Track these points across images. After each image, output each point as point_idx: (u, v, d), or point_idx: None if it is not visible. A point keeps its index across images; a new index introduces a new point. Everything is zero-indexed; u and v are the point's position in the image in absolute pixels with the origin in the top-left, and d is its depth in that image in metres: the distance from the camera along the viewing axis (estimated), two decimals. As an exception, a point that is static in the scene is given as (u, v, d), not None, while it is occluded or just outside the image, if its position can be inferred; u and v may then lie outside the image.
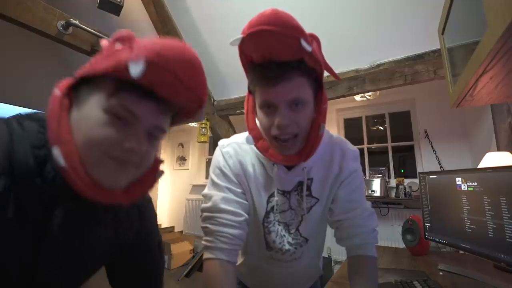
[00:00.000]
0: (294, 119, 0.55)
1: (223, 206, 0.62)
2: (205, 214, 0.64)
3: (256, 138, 0.61)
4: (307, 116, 0.57)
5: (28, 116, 0.43)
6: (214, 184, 0.66)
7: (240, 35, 0.49)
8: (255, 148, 0.63)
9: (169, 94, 0.41)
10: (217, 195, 0.64)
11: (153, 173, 0.47)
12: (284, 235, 0.70)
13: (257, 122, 0.63)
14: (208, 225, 0.62)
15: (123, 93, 0.39)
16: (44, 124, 0.41)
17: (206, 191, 0.67)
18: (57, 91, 0.41)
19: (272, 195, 0.67)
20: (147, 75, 0.36)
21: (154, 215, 0.64)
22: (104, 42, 0.43)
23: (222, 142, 0.70)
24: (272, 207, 0.68)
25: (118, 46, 0.39)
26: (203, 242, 0.62)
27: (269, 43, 0.48)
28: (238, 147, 0.68)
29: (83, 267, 0.51)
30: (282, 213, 0.69)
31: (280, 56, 0.51)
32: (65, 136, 0.38)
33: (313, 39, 0.54)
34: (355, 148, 0.72)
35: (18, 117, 0.42)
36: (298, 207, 0.68)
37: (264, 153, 0.61)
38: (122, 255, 0.58)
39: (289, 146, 0.58)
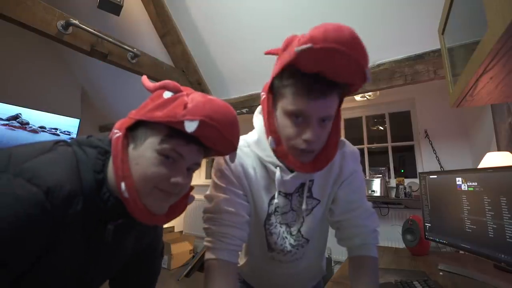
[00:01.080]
0: (320, 135, 0.55)
1: (225, 207, 0.63)
2: (207, 215, 0.64)
3: (278, 142, 0.59)
4: (328, 131, 0.58)
5: (87, 142, 0.52)
6: (216, 186, 0.66)
7: (309, 44, 0.45)
8: (256, 151, 0.64)
9: (211, 144, 0.50)
10: (219, 196, 0.64)
11: (186, 198, 0.57)
12: (286, 237, 0.70)
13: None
14: (210, 226, 0.63)
15: (174, 138, 0.48)
16: (101, 151, 0.50)
17: (208, 192, 0.67)
18: (118, 132, 0.50)
19: (273, 197, 0.67)
20: (198, 131, 0.46)
21: (162, 234, 0.74)
22: (149, 85, 0.54)
23: None
24: (274, 209, 0.68)
25: (168, 95, 0.49)
26: (205, 243, 0.62)
27: (337, 64, 0.47)
28: (239, 150, 0.68)
29: (112, 270, 0.61)
30: (283, 215, 0.69)
31: (338, 77, 0.50)
32: (127, 173, 0.47)
33: None
34: (355, 149, 0.72)
35: (79, 142, 0.51)
36: (300, 209, 0.68)
37: (283, 158, 0.59)
38: (130, 259, 0.65)
39: (309, 155, 0.58)
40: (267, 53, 0.60)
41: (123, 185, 0.46)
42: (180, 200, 0.55)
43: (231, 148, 0.53)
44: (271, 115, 0.60)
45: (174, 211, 0.55)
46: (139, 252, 0.66)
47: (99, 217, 0.49)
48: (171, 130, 0.47)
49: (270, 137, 0.59)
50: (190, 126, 0.44)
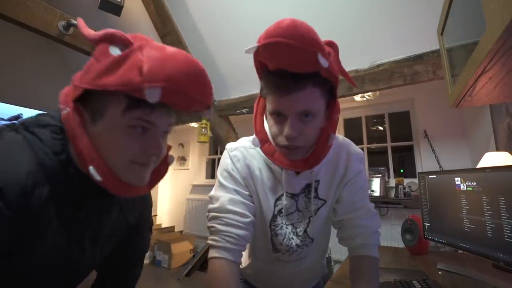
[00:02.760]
0: (302, 131, 0.55)
1: (230, 207, 0.63)
2: (212, 214, 0.65)
3: (262, 141, 0.62)
4: (316, 127, 0.57)
5: (35, 122, 0.45)
6: (222, 186, 0.67)
7: (256, 44, 0.48)
8: (261, 152, 0.64)
9: (180, 107, 0.45)
10: (224, 196, 0.65)
11: (166, 161, 0.52)
12: (292, 238, 0.71)
13: (266, 125, 0.63)
14: (214, 225, 0.63)
15: (138, 107, 0.42)
16: (55, 129, 0.45)
17: (213, 192, 0.68)
18: (65, 108, 0.43)
19: (279, 198, 0.68)
20: (162, 99, 0.40)
21: (151, 203, 0.70)
22: (88, 33, 0.45)
23: (230, 146, 0.71)
24: (280, 210, 0.69)
25: (115, 51, 0.41)
26: (209, 242, 0.63)
27: (285, 55, 0.48)
28: (245, 151, 0.69)
29: (104, 250, 0.57)
30: (289, 215, 0.69)
31: (295, 68, 0.50)
32: (93, 154, 0.43)
33: (332, 47, 0.53)
34: (360, 150, 0.72)
35: (26, 125, 0.45)
36: (306, 209, 0.69)
37: (269, 157, 0.61)
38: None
39: (295, 152, 0.58)
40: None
41: (92, 169, 0.42)
42: (161, 164, 0.51)
43: (204, 107, 0.47)
44: (259, 116, 0.63)
45: (157, 177, 0.51)
46: (129, 228, 0.63)
47: (74, 199, 0.46)
48: (131, 99, 0.41)
49: (255, 137, 0.62)
50: (152, 96, 0.39)
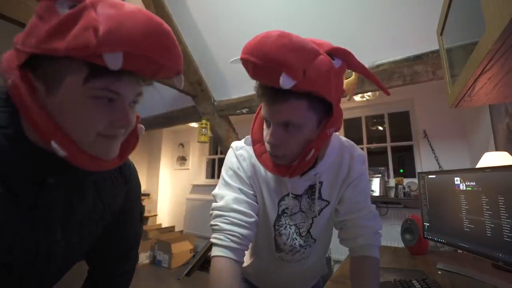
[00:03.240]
0: (284, 140, 0.55)
1: (235, 206, 0.63)
2: (216, 212, 0.65)
3: (255, 141, 0.63)
4: (301, 139, 0.56)
5: None
6: (226, 184, 0.67)
7: (238, 57, 0.50)
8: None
9: (146, 73, 0.40)
10: (229, 195, 0.65)
11: (136, 132, 0.48)
12: (296, 238, 0.71)
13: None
14: (218, 223, 0.63)
15: (101, 76, 0.37)
16: (1, 103, 0.40)
17: (217, 191, 0.68)
18: (9, 75, 0.37)
19: (282, 199, 0.68)
20: (125, 65, 0.35)
21: (139, 182, 0.65)
22: None
23: (235, 144, 0.71)
24: (283, 210, 0.69)
25: (63, 5, 0.35)
26: (212, 240, 0.62)
27: (255, 72, 0.49)
28: (251, 150, 0.69)
29: (81, 234, 0.52)
30: (292, 216, 0.70)
31: (268, 83, 0.50)
32: (53, 128, 0.38)
33: (336, 55, 0.51)
34: (362, 152, 0.73)
35: None
36: (309, 210, 0.69)
37: (258, 157, 0.62)
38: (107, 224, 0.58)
39: (278, 160, 0.59)
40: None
41: (54, 144, 0.37)
42: (130, 136, 0.47)
43: (173, 72, 0.42)
44: (258, 118, 0.65)
45: (127, 149, 0.47)
46: (115, 215, 0.59)
47: (32, 179, 0.41)
48: (91, 66, 0.36)
49: (248, 137, 0.65)
50: (113, 63, 0.34)
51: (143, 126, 0.49)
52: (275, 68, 0.45)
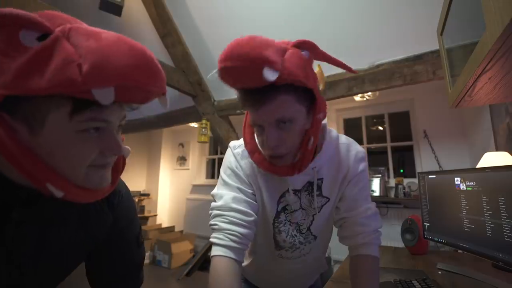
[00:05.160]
0: (282, 138, 0.56)
1: (234, 205, 0.63)
2: (215, 211, 0.65)
3: (251, 152, 0.63)
4: (297, 132, 0.57)
5: None
6: (225, 184, 0.67)
7: (215, 70, 0.51)
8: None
9: (133, 101, 0.40)
10: (228, 194, 0.65)
11: (122, 155, 0.47)
12: (296, 235, 0.71)
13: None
14: (217, 223, 0.63)
15: (86, 108, 0.35)
16: None
17: (216, 190, 0.68)
18: None
19: (282, 196, 0.68)
20: (116, 98, 0.34)
21: (131, 208, 0.62)
22: None
23: (233, 144, 0.71)
24: (283, 208, 0.69)
25: (30, 38, 0.32)
26: (212, 239, 0.62)
27: (236, 77, 0.50)
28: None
29: (60, 263, 0.50)
30: (293, 213, 0.70)
31: (253, 85, 0.51)
32: (44, 171, 0.36)
33: (305, 47, 0.53)
34: (362, 149, 0.72)
35: None
36: (309, 207, 0.69)
37: (259, 165, 0.62)
38: (97, 249, 0.56)
39: (282, 160, 0.59)
40: None
41: (50, 186, 0.37)
42: (118, 159, 0.47)
43: (159, 95, 0.42)
44: (248, 128, 0.65)
45: (117, 173, 0.47)
46: (106, 241, 0.57)
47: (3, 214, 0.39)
48: (75, 100, 0.34)
49: (244, 150, 0.65)
50: (104, 98, 0.33)
51: (129, 148, 0.47)
52: (257, 65, 0.46)
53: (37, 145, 0.36)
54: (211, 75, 0.52)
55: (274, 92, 0.51)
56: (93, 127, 0.38)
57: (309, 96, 0.56)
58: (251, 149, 0.63)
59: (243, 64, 0.47)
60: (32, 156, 0.36)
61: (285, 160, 0.59)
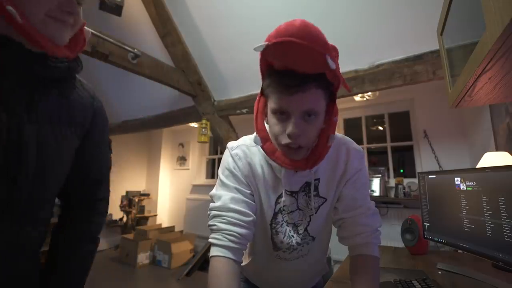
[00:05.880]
0: (304, 130, 0.56)
1: (232, 205, 0.63)
2: (213, 212, 0.64)
3: (263, 139, 0.62)
4: (317, 128, 0.58)
5: None
6: (223, 184, 0.67)
7: (265, 42, 0.49)
8: (262, 150, 0.64)
9: None
10: (226, 195, 0.65)
11: (83, 33, 0.56)
12: (293, 236, 0.71)
13: (266, 124, 0.64)
14: (216, 223, 0.63)
15: None
16: None
17: (214, 191, 0.68)
18: None
19: (280, 196, 0.68)
20: None
21: (106, 119, 0.69)
22: None
23: (231, 144, 0.71)
24: (280, 208, 0.69)
25: None
26: (210, 240, 0.62)
27: (295, 55, 0.49)
28: (247, 149, 0.69)
29: (54, 137, 0.54)
30: (290, 214, 0.69)
31: (303, 68, 0.51)
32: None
33: (334, 51, 0.54)
34: (360, 148, 0.72)
35: None
36: (306, 208, 0.69)
37: (270, 156, 0.61)
38: (80, 147, 0.61)
39: (297, 152, 0.59)
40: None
41: (10, 8, 0.42)
42: (79, 34, 0.55)
43: None
44: (260, 115, 0.64)
45: (76, 44, 0.54)
46: (85, 136, 0.61)
47: None
48: None
49: (256, 135, 0.63)
50: None
51: (90, 30, 0.57)
52: (321, 51, 0.47)
53: None
54: (258, 47, 0.50)
55: (313, 83, 0.52)
56: None
57: (329, 97, 0.59)
58: (263, 136, 0.62)
59: (310, 44, 0.46)
60: None
61: (299, 154, 0.59)
